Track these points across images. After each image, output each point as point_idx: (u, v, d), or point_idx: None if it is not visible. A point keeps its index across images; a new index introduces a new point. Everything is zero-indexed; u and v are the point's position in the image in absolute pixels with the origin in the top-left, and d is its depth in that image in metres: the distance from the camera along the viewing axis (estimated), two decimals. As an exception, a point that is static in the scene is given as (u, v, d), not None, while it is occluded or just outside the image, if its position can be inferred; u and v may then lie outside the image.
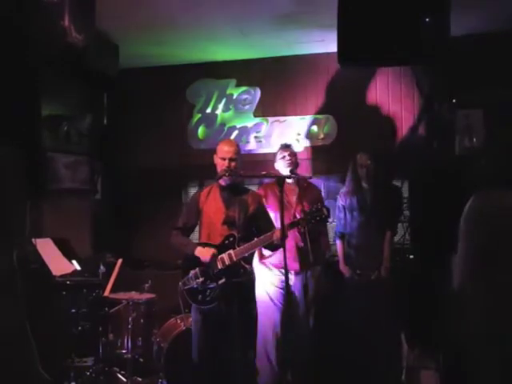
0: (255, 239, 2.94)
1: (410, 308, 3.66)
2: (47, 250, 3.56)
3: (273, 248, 3.05)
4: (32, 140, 3.72)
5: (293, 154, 3.65)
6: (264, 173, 3.49)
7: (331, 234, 4.06)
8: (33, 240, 3.42)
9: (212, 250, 2.96)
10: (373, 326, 3.53)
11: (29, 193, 3.65)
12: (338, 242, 3.88)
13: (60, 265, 3.59)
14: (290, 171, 3.51)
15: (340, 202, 3.85)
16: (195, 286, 2.95)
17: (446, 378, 2.96)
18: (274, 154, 3.76)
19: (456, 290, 1.57)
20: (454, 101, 3.99)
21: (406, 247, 4.14)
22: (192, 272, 2.99)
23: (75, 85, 4.43)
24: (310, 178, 3.15)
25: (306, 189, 3.61)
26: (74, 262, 3.78)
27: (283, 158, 3.61)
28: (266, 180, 3.91)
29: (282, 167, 3.60)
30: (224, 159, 3.02)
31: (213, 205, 3.08)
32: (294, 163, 3.61)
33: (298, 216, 3.33)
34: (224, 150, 3.05)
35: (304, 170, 4.38)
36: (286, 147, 3.72)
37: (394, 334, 3.64)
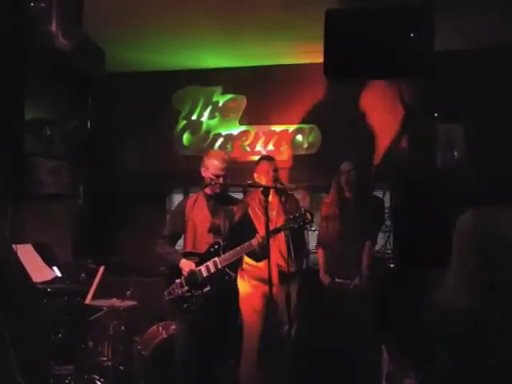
0: (239, 247, 2.95)
1: (391, 317, 3.70)
2: (27, 255, 3.49)
3: (257, 258, 3.05)
4: (15, 144, 3.67)
5: (277, 170, 3.60)
6: (250, 182, 3.51)
7: (313, 243, 4.10)
8: (13, 246, 3.35)
9: (191, 266, 2.96)
10: (352, 335, 3.56)
11: (10, 197, 3.60)
12: (319, 251, 3.91)
13: (40, 271, 3.53)
14: (275, 184, 3.48)
15: (323, 210, 3.89)
16: (180, 294, 2.95)
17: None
18: (256, 164, 3.70)
19: (449, 303, 1.59)
20: (435, 114, 4.08)
21: (387, 256, 4.20)
22: (177, 281, 2.99)
23: (60, 89, 4.38)
24: (296, 189, 3.15)
25: (285, 201, 3.60)
26: (55, 268, 3.72)
27: (267, 173, 3.55)
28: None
29: (265, 182, 3.52)
30: (218, 176, 3.01)
31: (199, 213, 3.09)
32: (277, 179, 3.56)
33: None
34: (217, 167, 3.02)
35: (288, 179, 4.41)
36: (269, 160, 3.66)
37: (373, 342, 3.67)
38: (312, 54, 4.24)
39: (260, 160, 3.71)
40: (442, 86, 4.09)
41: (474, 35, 3.93)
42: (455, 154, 3.97)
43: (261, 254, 2.95)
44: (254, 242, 2.89)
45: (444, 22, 3.17)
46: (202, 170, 3.11)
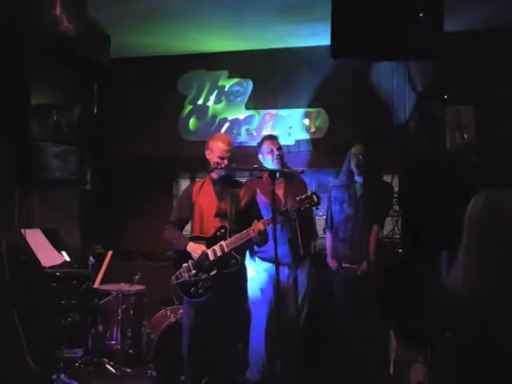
0: (245, 230, 2.95)
1: (399, 301, 3.69)
2: (36, 240, 3.53)
3: (258, 243, 3.05)
4: (21, 129, 3.68)
5: (280, 148, 3.62)
6: (256, 166, 3.51)
7: (321, 227, 4.09)
8: (22, 230, 3.39)
9: (203, 247, 2.97)
10: (360, 319, 3.56)
11: (18, 183, 3.62)
12: (328, 235, 3.90)
13: (49, 256, 3.57)
14: (282, 165, 3.49)
15: (332, 193, 3.88)
16: (187, 278, 2.96)
17: (433, 372, 3.00)
18: (259, 144, 3.71)
19: (456, 286, 1.58)
20: (445, 96, 4.02)
21: (395, 241, 4.18)
22: (184, 265, 2.99)
23: (66, 74, 4.38)
24: (302, 172, 3.13)
25: (292, 181, 3.61)
26: (64, 252, 3.76)
27: (271, 151, 3.56)
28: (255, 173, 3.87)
29: (270, 161, 3.56)
30: (223, 158, 3.00)
31: (205, 198, 3.09)
32: (282, 157, 3.58)
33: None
34: (222, 149, 3.00)
35: (295, 164, 4.39)
36: (272, 139, 3.67)
37: (381, 326, 3.67)
38: (318, 36, 4.18)
39: (263, 140, 3.72)
40: (452, 68, 4.03)
41: (486, 17, 3.85)
42: (465, 137, 3.92)
43: (260, 239, 2.95)
44: (254, 229, 2.88)
45: (455, 1, 3.10)
46: (207, 152, 3.09)
